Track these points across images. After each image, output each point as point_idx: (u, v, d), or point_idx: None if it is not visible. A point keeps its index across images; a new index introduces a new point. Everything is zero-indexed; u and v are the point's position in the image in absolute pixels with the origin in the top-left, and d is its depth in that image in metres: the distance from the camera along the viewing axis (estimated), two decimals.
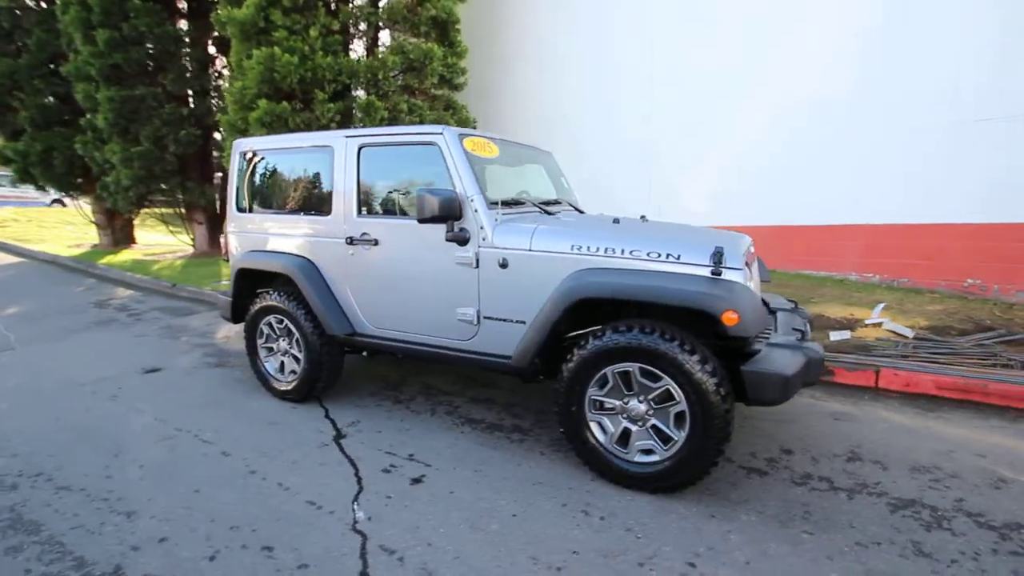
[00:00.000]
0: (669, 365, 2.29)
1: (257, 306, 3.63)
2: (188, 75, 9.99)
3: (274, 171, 3.70)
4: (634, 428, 2.47)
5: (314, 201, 3.46)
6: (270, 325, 3.65)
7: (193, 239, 11.47)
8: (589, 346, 2.47)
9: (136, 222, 13.05)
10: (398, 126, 3.15)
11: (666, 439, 2.40)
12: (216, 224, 11.87)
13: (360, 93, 8.46)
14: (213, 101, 10.52)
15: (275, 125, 7.51)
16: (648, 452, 2.45)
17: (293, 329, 3.50)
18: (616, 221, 3.02)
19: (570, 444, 2.65)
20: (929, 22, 5.65)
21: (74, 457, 2.89)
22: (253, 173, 3.76)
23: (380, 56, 7.63)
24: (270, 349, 3.74)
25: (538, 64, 9.47)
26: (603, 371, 2.47)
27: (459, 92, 9.11)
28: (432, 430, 3.20)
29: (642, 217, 3.18)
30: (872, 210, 6.20)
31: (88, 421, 3.37)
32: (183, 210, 11.15)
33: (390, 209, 3.19)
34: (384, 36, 9.04)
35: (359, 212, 3.23)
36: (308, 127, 7.72)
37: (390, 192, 3.20)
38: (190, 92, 10.27)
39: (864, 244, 6.36)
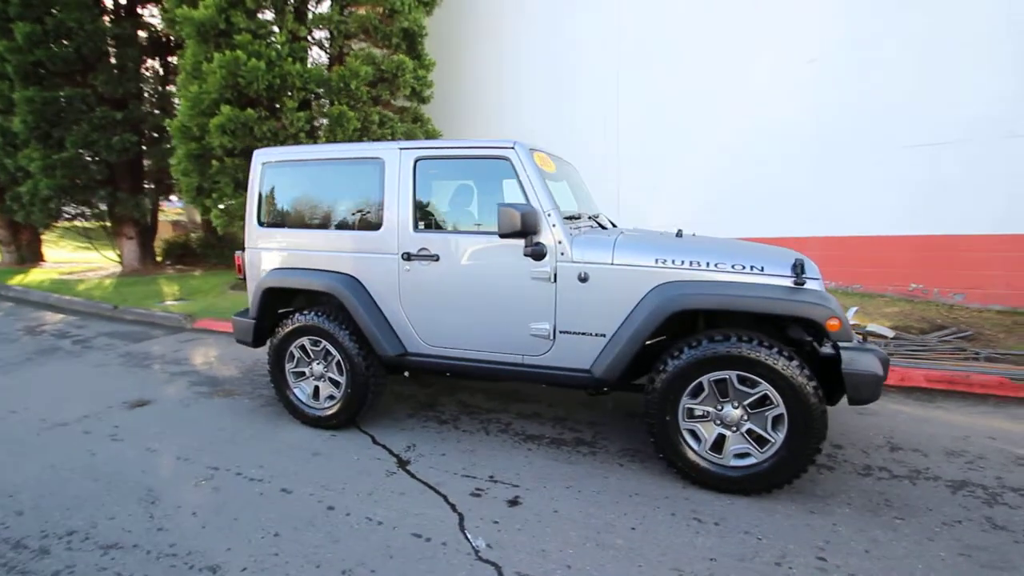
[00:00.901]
0: (768, 371, 2.42)
1: (288, 328, 3.35)
2: (122, 76, 9.05)
3: (306, 184, 3.46)
4: (729, 433, 2.57)
5: (359, 215, 3.28)
6: (303, 348, 3.39)
7: (120, 256, 10.33)
8: (684, 356, 2.55)
9: (46, 237, 11.53)
10: (461, 139, 3.07)
11: (762, 442, 2.52)
12: (147, 239, 10.79)
13: (324, 102, 8.13)
14: (150, 105, 9.60)
15: (239, 133, 7.02)
16: (743, 456, 2.56)
17: (333, 351, 3.27)
18: (679, 234, 3.14)
19: (660, 453, 2.70)
20: (869, 58, 6.42)
21: (105, 509, 2.50)
22: (279, 186, 3.50)
23: (351, 66, 7.37)
24: (300, 374, 3.46)
25: (500, 79, 9.57)
26: (698, 380, 2.55)
27: (426, 105, 9.02)
28: (497, 449, 3.11)
29: (678, 232, 3.33)
30: (826, 224, 6.88)
31: (99, 466, 2.94)
32: (109, 224, 10.02)
33: (451, 224, 3.11)
34: (349, 46, 8.74)
35: (416, 227, 3.10)
36: (275, 136, 7.30)
37: (452, 206, 3.11)
38: (124, 94, 9.31)
39: (820, 255, 7.02)
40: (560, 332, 2.88)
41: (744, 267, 2.62)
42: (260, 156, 3.53)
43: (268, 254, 3.49)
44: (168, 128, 7.69)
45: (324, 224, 3.37)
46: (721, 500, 2.53)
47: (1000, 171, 5.75)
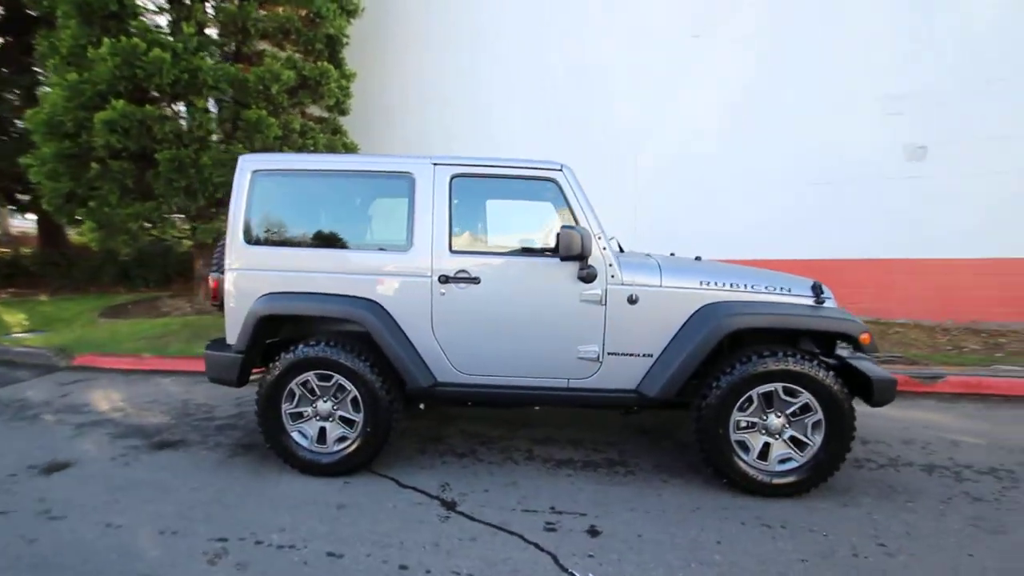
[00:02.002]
0: (810, 382, 2.68)
1: (289, 361, 2.89)
2: None
3: (313, 197, 3.05)
4: (773, 441, 2.79)
5: (383, 234, 2.98)
6: (306, 385, 2.94)
7: None
8: (737, 372, 2.72)
9: None
10: (501, 157, 2.95)
11: (800, 446, 2.78)
12: None
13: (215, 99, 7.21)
14: None
15: (134, 132, 5.97)
16: (785, 461, 2.79)
17: (349, 386, 2.89)
18: (698, 259, 3.36)
19: (710, 465, 2.82)
20: (782, 104, 7.53)
21: None
22: (276, 198, 3.04)
23: (272, 68, 6.70)
24: (299, 415, 2.99)
25: (422, 95, 9.39)
26: (748, 394, 2.74)
27: (345, 116, 8.52)
28: (537, 479, 2.99)
29: (697, 258, 3.58)
30: (741, 248, 7.82)
31: (51, 556, 2.22)
32: None
33: (490, 245, 2.97)
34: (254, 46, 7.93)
35: (452, 248, 2.91)
36: (179, 138, 6.33)
37: (492, 227, 2.97)
38: None
39: None
40: (608, 354, 2.89)
41: (775, 288, 2.90)
42: (249, 163, 3.03)
43: (260, 276, 2.99)
44: (25, 122, 6.22)
45: (337, 243, 3.00)
46: (770, 504, 2.72)
47: (876, 204, 7.08)
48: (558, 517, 2.59)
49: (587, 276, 2.83)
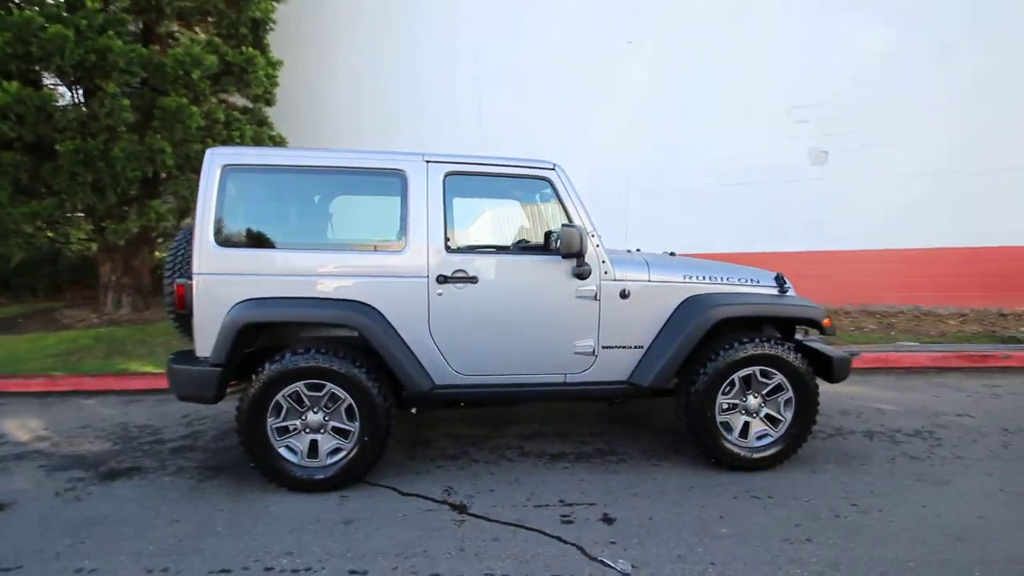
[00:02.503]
0: (784, 364, 2.96)
1: (275, 372, 2.68)
2: None
3: (294, 195, 2.85)
4: (752, 420, 3.04)
5: (375, 234, 2.85)
6: (295, 396, 2.76)
7: None
8: (721, 358, 2.94)
9: None
10: (493, 156, 2.93)
11: (775, 422, 3.06)
12: None
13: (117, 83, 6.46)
14: None
15: (30, 119, 5.20)
16: (762, 437, 3.06)
17: (343, 394, 2.75)
18: (672, 254, 3.57)
19: (699, 448, 3.03)
20: (702, 115, 8.08)
21: None
22: (250, 196, 2.80)
23: (194, 53, 6.12)
24: (284, 429, 2.80)
25: (357, 87, 9.02)
26: (731, 377, 2.97)
27: (271, 107, 7.98)
28: (536, 474, 3.03)
29: (671, 253, 3.79)
30: (668, 244, 8.34)
31: None
32: None
33: (486, 243, 2.95)
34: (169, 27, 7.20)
35: (448, 247, 2.85)
36: (84, 126, 5.61)
37: (490, 224, 2.95)
38: None
39: None
40: (603, 348, 3.00)
41: (747, 280, 3.17)
42: (217, 157, 2.76)
43: (235, 281, 2.74)
44: None
45: (324, 244, 2.83)
46: (752, 478, 2.97)
47: (784, 203, 7.85)
48: (570, 509, 2.65)
49: (582, 273, 2.91)
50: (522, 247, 3.00)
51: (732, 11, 7.84)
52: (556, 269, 2.92)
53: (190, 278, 2.77)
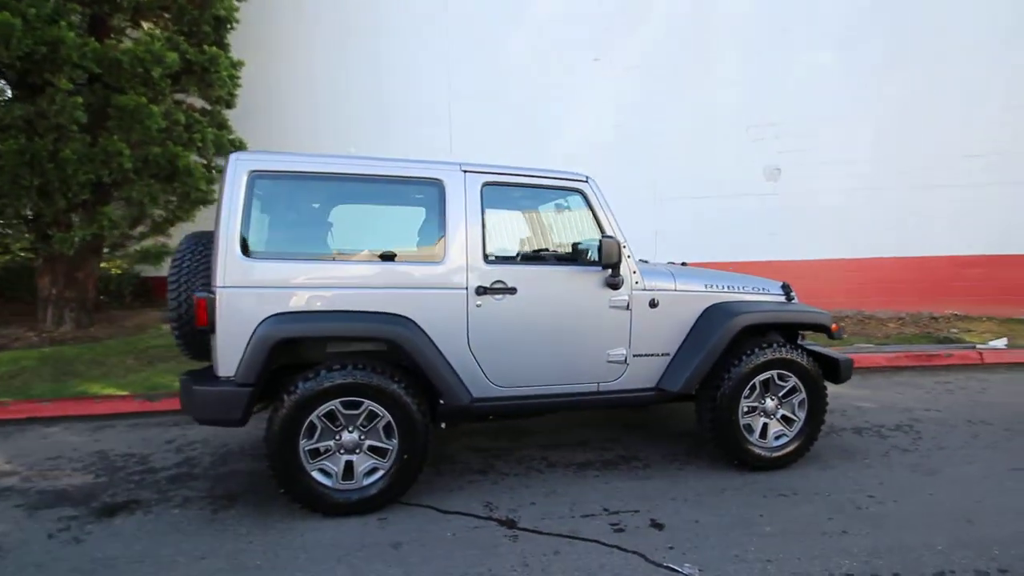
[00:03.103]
0: (798, 368, 3.16)
1: (311, 391, 2.53)
2: None
3: (320, 204, 2.72)
4: (770, 421, 3.21)
5: (412, 245, 2.77)
6: (331, 415, 2.61)
7: None
8: (744, 363, 3.08)
9: None
10: (527, 167, 2.92)
11: (789, 422, 3.24)
12: None
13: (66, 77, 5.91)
14: None
15: None
16: (779, 437, 3.23)
17: (381, 411, 2.64)
18: (684, 264, 3.70)
19: (723, 450, 3.15)
20: (656, 132, 8.45)
21: None
22: (281, 205, 2.64)
23: (154, 49, 5.70)
24: (317, 451, 2.64)
25: (314, 92, 8.73)
26: (752, 381, 3.12)
27: (231, 110, 7.57)
28: (571, 484, 3.04)
29: (683, 263, 3.93)
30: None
31: None
32: None
33: (522, 254, 2.94)
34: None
35: (486, 258, 2.82)
36: (31, 125, 5.08)
37: (526, 236, 2.94)
38: None
39: None
40: (634, 356, 3.07)
41: (759, 289, 3.35)
42: (243, 163, 2.59)
43: (263, 295, 2.57)
44: None
45: (355, 255, 2.72)
46: (772, 476, 3.13)
47: (742, 216, 8.34)
48: (617, 517, 2.68)
49: (616, 283, 2.97)
50: (559, 257, 3.02)
51: (694, 35, 8.31)
52: (591, 280, 2.96)
53: (210, 291, 2.56)
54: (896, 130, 7.92)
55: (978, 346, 6.08)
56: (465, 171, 2.84)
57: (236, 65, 7.20)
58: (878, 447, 3.59)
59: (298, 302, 2.61)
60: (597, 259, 2.85)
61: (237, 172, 2.58)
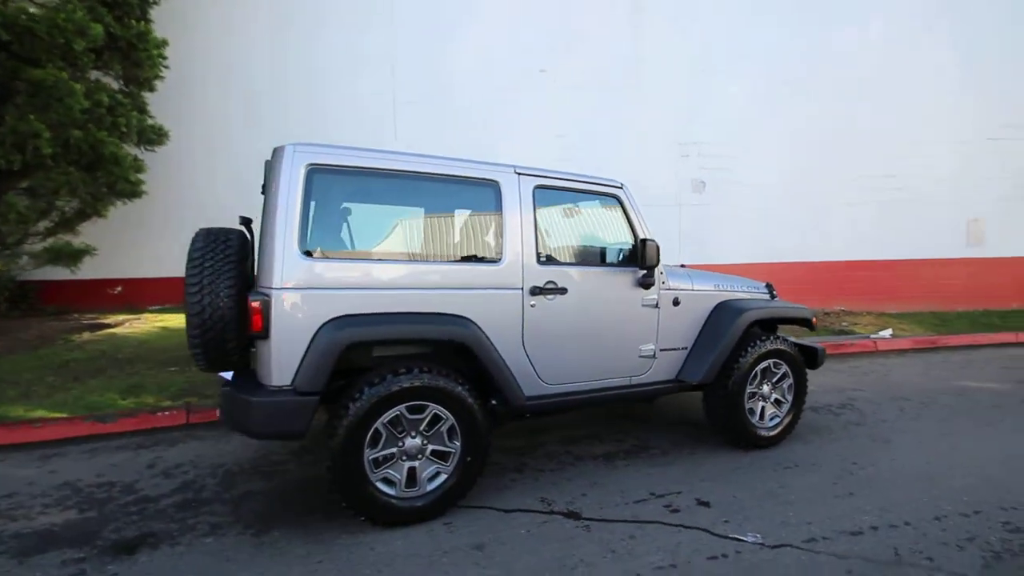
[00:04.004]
0: (789, 357, 3.61)
1: (377, 396, 2.42)
2: None
3: (379, 202, 2.61)
4: (767, 405, 3.62)
5: (471, 245, 2.74)
6: (397, 421, 2.51)
7: None
8: (750, 354, 3.46)
9: None
10: (571, 171, 3.02)
11: (779, 405, 3.68)
12: None
13: None
14: None
15: None
16: (772, 418, 3.66)
17: (446, 414, 2.60)
18: (683, 266, 4.04)
19: (731, 433, 3.50)
20: (595, 143, 8.95)
21: None
22: (340, 201, 2.49)
23: (76, 19, 4.95)
24: (379, 459, 2.52)
25: (249, 81, 8.08)
26: (754, 371, 3.51)
27: (151, 93, 6.80)
28: (608, 474, 3.20)
29: (682, 265, 4.25)
30: None
31: None
32: None
33: (569, 255, 3.04)
34: None
35: (539, 259, 2.89)
36: None
37: (571, 237, 3.04)
38: None
39: None
40: (660, 350, 3.32)
41: (751, 288, 3.78)
42: (301, 155, 2.41)
43: (325, 296, 2.41)
44: None
45: (415, 255, 2.65)
46: (765, 454, 3.53)
47: (671, 226, 9.10)
48: (665, 500, 2.88)
49: (648, 283, 3.19)
50: (602, 259, 3.17)
51: (633, 56, 8.93)
52: (628, 280, 3.15)
53: (263, 294, 2.35)
54: (800, 154, 9.16)
55: (871, 336, 7.26)
56: (519, 173, 2.89)
57: (161, 44, 6.45)
58: (836, 423, 4.19)
59: (360, 304, 2.48)
60: (641, 261, 3.05)
61: (293, 164, 2.40)
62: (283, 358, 2.36)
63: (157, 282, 7.70)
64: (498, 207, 2.82)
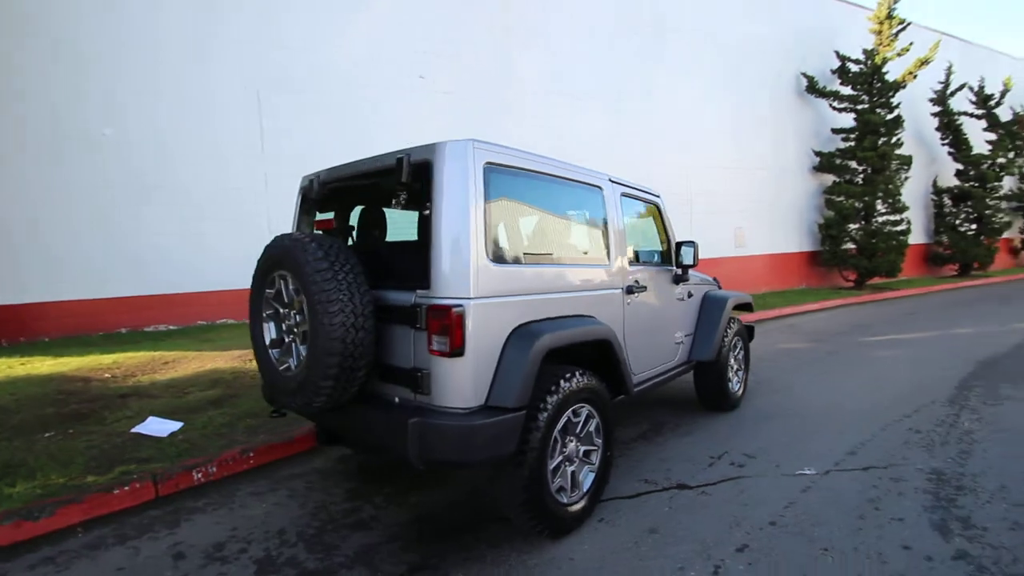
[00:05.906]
0: (746, 331, 4.58)
1: (557, 401, 2.37)
2: None
3: (537, 204, 2.50)
4: (735, 373, 4.52)
5: (589, 248, 2.82)
6: (569, 424, 2.48)
7: None
8: (731, 333, 4.28)
9: None
10: (635, 181, 3.26)
11: (738, 372, 4.62)
12: None
13: None
14: None
15: None
16: (739, 383, 4.56)
17: (595, 413, 2.66)
18: None
19: (716, 400, 4.25)
20: None
21: None
22: (509, 203, 2.31)
23: None
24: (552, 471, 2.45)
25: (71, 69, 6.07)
26: (730, 344, 4.37)
27: None
28: (648, 453, 3.55)
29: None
30: None
31: None
32: None
33: (639, 258, 3.34)
34: None
35: (630, 260, 3.14)
36: None
37: (637, 240, 3.33)
38: None
39: None
40: (685, 336, 3.89)
41: (711, 280, 4.66)
42: (480, 152, 2.18)
43: (510, 304, 2.25)
44: None
45: (574, 258, 2.65)
46: (741, 410, 4.44)
47: None
48: (722, 459, 3.43)
49: (682, 279, 3.73)
50: (658, 260, 3.54)
51: (505, 75, 9.47)
52: (669, 277, 3.63)
53: (455, 305, 2.09)
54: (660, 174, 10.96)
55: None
56: (612, 181, 3.09)
57: None
58: (765, 374, 5.40)
59: (534, 310, 2.38)
60: (679, 261, 3.55)
61: (475, 161, 2.18)
62: (480, 374, 2.14)
63: None
64: (604, 211, 2.98)
